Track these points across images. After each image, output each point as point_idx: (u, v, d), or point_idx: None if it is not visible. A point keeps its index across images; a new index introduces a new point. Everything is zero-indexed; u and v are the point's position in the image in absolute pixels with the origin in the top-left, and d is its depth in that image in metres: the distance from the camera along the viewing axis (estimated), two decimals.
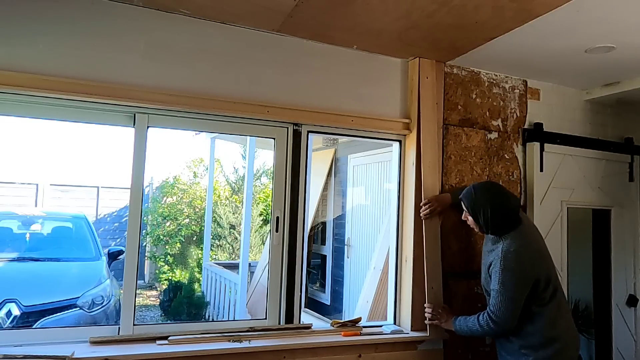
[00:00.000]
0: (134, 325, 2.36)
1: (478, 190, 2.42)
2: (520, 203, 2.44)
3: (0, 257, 5.05)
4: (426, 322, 2.68)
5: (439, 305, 2.67)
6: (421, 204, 2.77)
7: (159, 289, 8.69)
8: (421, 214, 2.76)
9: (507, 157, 3.16)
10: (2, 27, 2.13)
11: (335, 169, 6.25)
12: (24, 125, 11.84)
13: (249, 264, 5.97)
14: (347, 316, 5.13)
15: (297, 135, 2.72)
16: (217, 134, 6.84)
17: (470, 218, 2.46)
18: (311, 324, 2.67)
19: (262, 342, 2.41)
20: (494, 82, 3.14)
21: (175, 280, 7.97)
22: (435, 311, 2.63)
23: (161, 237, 8.83)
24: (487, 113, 3.11)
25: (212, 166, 7.65)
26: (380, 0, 2.18)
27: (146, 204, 9.24)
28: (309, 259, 6.20)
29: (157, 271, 9.03)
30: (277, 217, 2.66)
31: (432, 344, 2.77)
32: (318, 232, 6.45)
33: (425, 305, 2.69)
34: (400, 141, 2.96)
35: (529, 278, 2.25)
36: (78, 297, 4.41)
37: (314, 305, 6.02)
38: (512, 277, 2.23)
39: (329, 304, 6.02)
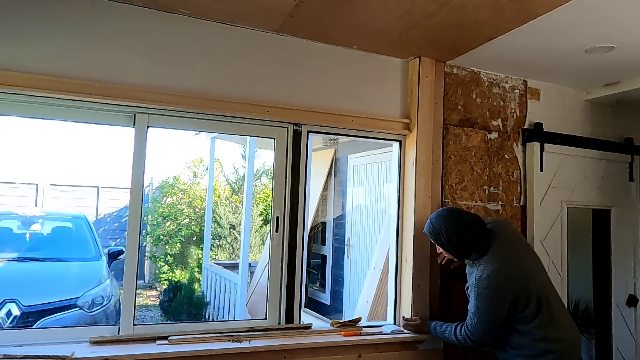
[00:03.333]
0: (134, 325, 2.36)
1: (434, 219, 2.48)
2: (483, 221, 2.46)
3: (0, 257, 5.05)
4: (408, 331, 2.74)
5: (422, 314, 2.77)
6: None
7: (159, 289, 8.69)
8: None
9: (507, 157, 3.16)
10: (2, 27, 2.13)
11: (335, 169, 6.25)
12: (24, 125, 11.84)
13: (249, 264, 5.97)
14: (347, 316, 5.13)
15: (297, 135, 2.72)
16: (217, 134, 6.83)
17: (442, 250, 2.52)
18: (311, 324, 2.67)
19: (262, 342, 2.41)
20: (494, 82, 3.14)
21: (175, 280, 7.97)
22: (407, 324, 2.72)
23: (161, 237, 8.82)
24: (487, 113, 3.11)
25: (212, 166, 7.65)
26: (380, 0, 2.18)
27: (146, 204, 9.24)
28: (309, 259, 6.20)
29: (157, 271, 9.03)
30: (277, 217, 2.66)
31: (432, 344, 2.76)
32: (318, 232, 6.45)
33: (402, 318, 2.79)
34: (400, 141, 2.96)
35: (503, 302, 2.27)
36: (78, 297, 4.41)
37: (314, 305, 6.02)
38: (486, 303, 2.27)
39: (329, 304, 6.02)
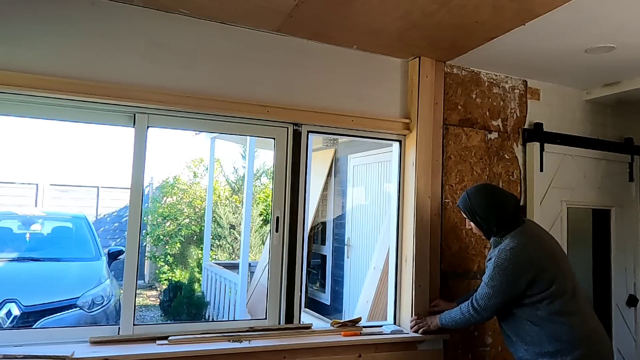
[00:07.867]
0: (134, 325, 2.36)
1: (471, 194, 2.40)
2: (520, 202, 2.41)
3: (0, 257, 5.05)
4: (418, 333, 2.69)
5: (422, 314, 2.73)
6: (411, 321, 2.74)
7: (159, 289, 8.69)
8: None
9: (507, 157, 3.16)
10: (2, 27, 2.13)
11: (335, 169, 6.25)
12: (24, 125, 11.84)
13: (249, 264, 5.97)
14: (347, 316, 5.12)
15: (297, 135, 2.72)
16: (217, 134, 6.83)
17: (472, 224, 2.44)
18: (311, 324, 2.67)
19: (262, 342, 2.41)
20: (494, 82, 3.14)
21: (175, 280, 7.97)
22: (420, 319, 2.68)
23: (161, 237, 8.83)
24: (487, 113, 3.11)
25: (212, 166, 7.65)
26: (380, 0, 2.18)
27: (146, 204, 9.24)
28: (309, 259, 6.20)
29: (157, 271, 9.03)
30: (277, 217, 2.66)
31: (432, 344, 2.77)
32: (318, 232, 6.45)
33: (409, 320, 2.75)
34: (400, 141, 2.96)
35: (522, 278, 2.15)
36: (78, 297, 4.41)
37: (314, 305, 6.02)
38: (503, 275, 2.17)
39: (329, 304, 6.02)
